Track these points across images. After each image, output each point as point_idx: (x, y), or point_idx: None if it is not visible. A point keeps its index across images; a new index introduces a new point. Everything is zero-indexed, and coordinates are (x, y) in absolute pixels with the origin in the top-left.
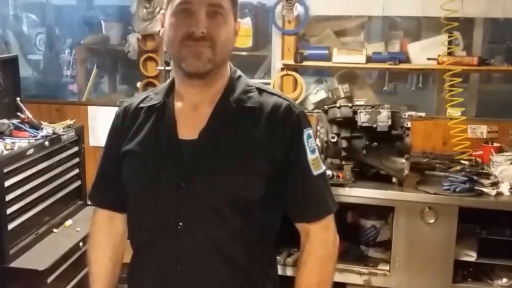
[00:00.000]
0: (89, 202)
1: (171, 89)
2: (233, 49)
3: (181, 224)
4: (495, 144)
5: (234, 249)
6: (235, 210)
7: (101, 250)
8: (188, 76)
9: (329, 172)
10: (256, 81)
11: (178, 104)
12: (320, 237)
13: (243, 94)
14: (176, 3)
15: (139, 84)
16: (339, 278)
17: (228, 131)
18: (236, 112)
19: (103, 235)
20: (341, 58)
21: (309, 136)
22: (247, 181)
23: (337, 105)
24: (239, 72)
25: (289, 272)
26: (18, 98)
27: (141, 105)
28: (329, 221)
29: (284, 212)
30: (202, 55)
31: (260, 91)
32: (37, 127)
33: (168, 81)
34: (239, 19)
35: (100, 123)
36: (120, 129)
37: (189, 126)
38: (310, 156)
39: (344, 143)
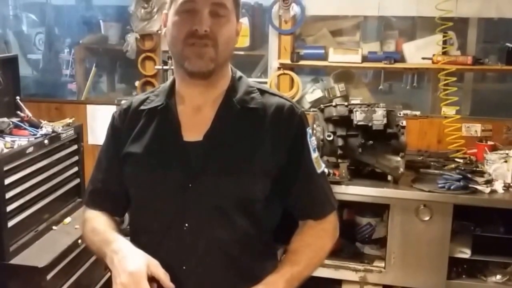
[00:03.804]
0: None
1: (172, 90)
2: (234, 49)
3: (186, 225)
4: (489, 143)
5: (238, 249)
6: (241, 210)
7: (97, 221)
8: (191, 76)
9: (326, 170)
10: (253, 80)
11: (180, 106)
12: (323, 227)
13: (245, 95)
14: (179, 2)
15: (137, 83)
16: (335, 275)
17: (233, 132)
18: (240, 113)
19: (101, 213)
20: (337, 57)
21: (310, 136)
22: (252, 182)
23: (333, 104)
24: (239, 73)
25: None
26: (18, 97)
27: (142, 107)
28: (332, 217)
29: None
30: (205, 54)
31: (262, 92)
32: (36, 126)
33: (168, 82)
34: (240, 20)
35: (99, 121)
36: (120, 130)
37: (193, 128)
38: (313, 155)
39: (340, 142)
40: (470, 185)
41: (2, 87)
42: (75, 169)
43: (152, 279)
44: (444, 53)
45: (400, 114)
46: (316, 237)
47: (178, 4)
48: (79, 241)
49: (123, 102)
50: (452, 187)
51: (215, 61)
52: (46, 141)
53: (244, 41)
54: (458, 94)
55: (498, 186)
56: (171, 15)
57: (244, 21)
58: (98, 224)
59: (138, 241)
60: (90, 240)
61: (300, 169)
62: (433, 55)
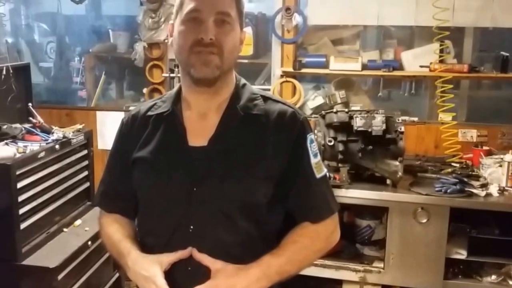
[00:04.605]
0: None
1: (178, 97)
2: (238, 57)
3: (192, 227)
4: (485, 148)
5: (241, 251)
6: (244, 214)
7: (113, 226)
8: (196, 83)
9: (327, 175)
10: (257, 88)
11: (186, 112)
12: (316, 229)
13: (249, 102)
14: (185, 11)
15: (145, 90)
16: (336, 275)
17: (237, 138)
18: (243, 120)
19: (114, 219)
20: (337, 65)
21: (311, 141)
22: (255, 186)
23: (334, 110)
24: (243, 81)
25: None
26: (30, 104)
27: (149, 113)
28: (330, 221)
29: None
30: (211, 62)
31: (265, 98)
32: (48, 131)
33: (175, 89)
34: (244, 29)
35: (108, 127)
36: (129, 136)
37: (198, 133)
38: (313, 160)
39: (340, 147)
40: (466, 189)
41: (15, 94)
42: (85, 173)
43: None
44: (441, 61)
45: (398, 120)
46: (304, 236)
47: (184, 14)
48: (89, 242)
49: (131, 108)
50: (448, 191)
51: (220, 68)
52: (57, 146)
53: (248, 49)
54: (455, 101)
55: (493, 189)
56: (177, 25)
57: (248, 30)
58: (112, 232)
59: (145, 242)
60: (109, 248)
61: (299, 173)
62: (431, 63)
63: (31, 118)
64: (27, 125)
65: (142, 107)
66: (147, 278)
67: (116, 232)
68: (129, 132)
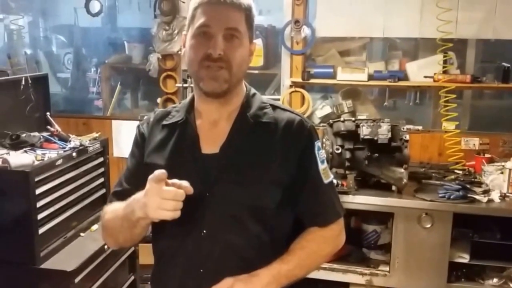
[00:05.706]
0: None
1: (191, 106)
2: (248, 68)
3: (204, 231)
4: (487, 155)
5: (251, 254)
6: (254, 218)
7: (114, 204)
8: (206, 94)
9: (334, 181)
10: (266, 97)
11: (198, 121)
12: (323, 234)
13: (259, 110)
14: (196, 26)
15: (159, 100)
16: (343, 278)
17: (247, 145)
18: (253, 127)
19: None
20: (345, 76)
21: (319, 148)
22: (265, 191)
23: (341, 119)
24: (253, 90)
25: None
26: (48, 113)
27: (164, 122)
28: (336, 225)
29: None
30: (219, 77)
31: (274, 107)
32: (65, 140)
33: (188, 98)
34: (254, 41)
35: (123, 135)
36: (143, 142)
37: (210, 141)
38: (321, 166)
39: (347, 154)
40: (469, 195)
41: (33, 104)
42: (101, 180)
43: None
44: (445, 72)
45: (403, 128)
46: (312, 242)
47: (195, 28)
48: (106, 246)
49: (145, 118)
50: (452, 197)
51: (228, 81)
52: (74, 154)
53: (258, 60)
54: (458, 110)
55: (495, 195)
56: (188, 38)
57: (258, 42)
58: (116, 204)
59: (159, 245)
60: (113, 219)
61: (308, 179)
62: (434, 73)
63: (49, 127)
64: (45, 134)
65: (157, 112)
66: (147, 189)
67: (117, 205)
68: (143, 138)
